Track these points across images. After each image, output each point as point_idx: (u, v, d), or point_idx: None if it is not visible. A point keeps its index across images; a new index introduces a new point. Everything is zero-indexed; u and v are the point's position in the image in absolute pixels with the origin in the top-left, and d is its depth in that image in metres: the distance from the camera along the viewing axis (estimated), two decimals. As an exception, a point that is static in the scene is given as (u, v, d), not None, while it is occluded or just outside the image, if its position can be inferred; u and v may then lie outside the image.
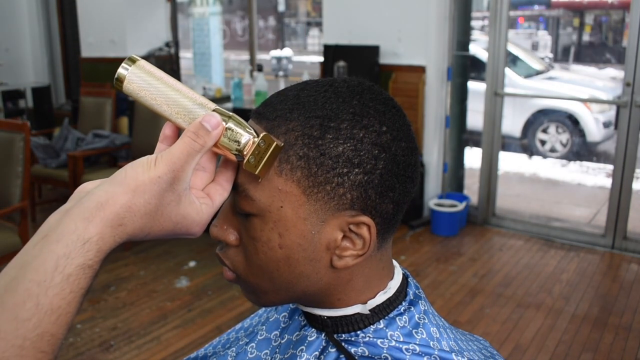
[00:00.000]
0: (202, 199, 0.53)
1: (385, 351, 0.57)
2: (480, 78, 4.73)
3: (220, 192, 0.54)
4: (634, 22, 3.48)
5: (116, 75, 0.52)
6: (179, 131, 0.55)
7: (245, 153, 0.52)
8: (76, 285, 0.44)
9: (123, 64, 0.52)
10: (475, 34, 5.59)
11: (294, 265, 0.56)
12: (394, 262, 0.64)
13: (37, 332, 0.42)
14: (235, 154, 0.52)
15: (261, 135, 0.52)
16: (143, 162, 0.49)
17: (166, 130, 0.55)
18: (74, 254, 0.44)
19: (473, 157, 4.77)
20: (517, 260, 3.58)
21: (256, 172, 0.52)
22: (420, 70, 3.97)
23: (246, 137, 0.52)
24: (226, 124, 0.52)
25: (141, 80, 0.52)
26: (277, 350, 0.64)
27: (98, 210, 0.46)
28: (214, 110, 0.53)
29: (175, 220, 0.51)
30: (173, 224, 0.51)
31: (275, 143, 0.52)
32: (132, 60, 0.53)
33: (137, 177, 0.48)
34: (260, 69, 4.48)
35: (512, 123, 6.29)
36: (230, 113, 0.53)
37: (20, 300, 0.42)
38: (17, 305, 0.42)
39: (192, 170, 0.51)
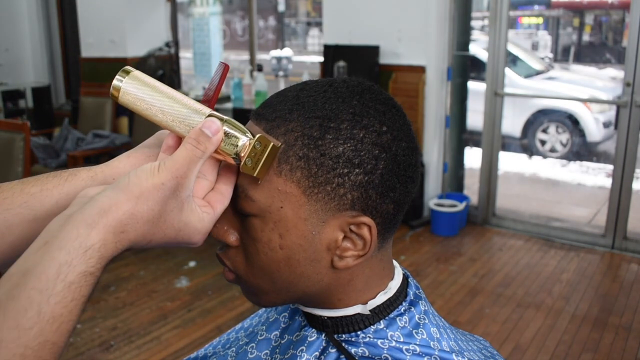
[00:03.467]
0: (204, 207, 0.53)
1: (385, 351, 0.57)
2: (480, 78, 4.73)
3: (221, 200, 0.54)
4: (634, 22, 3.48)
5: (111, 88, 0.53)
6: (180, 141, 0.55)
7: (242, 156, 0.52)
8: (78, 292, 0.44)
9: (117, 76, 0.53)
10: (475, 34, 5.59)
11: (295, 265, 0.56)
12: (394, 263, 0.64)
13: (38, 341, 0.42)
14: (233, 158, 0.52)
15: (257, 136, 0.52)
16: (146, 169, 0.49)
17: (169, 141, 0.55)
18: (75, 262, 0.44)
19: (473, 157, 4.77)
20: (517, 260, 3.58)
21: (255, 174, 0.52)
22: (420, 70, 3.97)
23: (243, 139, 0.52)
24: (224, 126, 0.52)
25: (136, 91, 0.53)
26: (277, 350, 0.64)
27: (101, 217, 0.46)
28: (209, 115, 0.53)
29: (178, 228, 0.51)
30: (175, 232, 0.51)
31: (271, 144, 0.52)
32: (126, 72, 0.53)
33: (141, 183, 0.48)
34: (260, 69, 4.48)
35: (512, 123, 6.29)
36: (225, 117, 0.53)
37: (22, 308, 0.42)
38: (19, 313, 0.42)
39: (195, 177, 0.51)
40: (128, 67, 0.54)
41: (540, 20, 12.15)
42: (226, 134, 0.52)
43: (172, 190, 0.49)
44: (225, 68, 0.56)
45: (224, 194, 0.55)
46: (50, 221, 0.50)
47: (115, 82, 0.53)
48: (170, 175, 0.49)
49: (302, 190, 0.53)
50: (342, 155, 0.52)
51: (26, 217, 0.54)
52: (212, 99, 0.56)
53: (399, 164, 0.55)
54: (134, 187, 0.47)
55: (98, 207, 0.46)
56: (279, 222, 0.54)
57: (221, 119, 0.52)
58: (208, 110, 0.53)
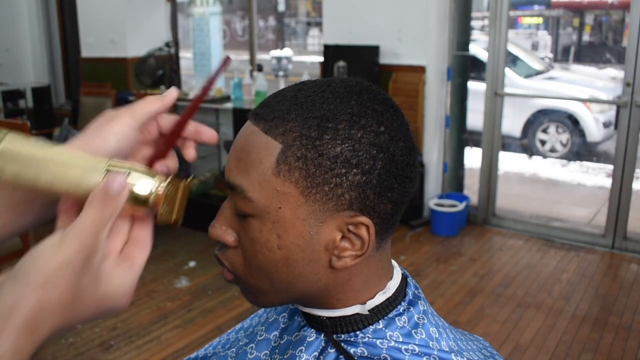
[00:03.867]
0: (122, 263, 0.46)
1: (384, 351, 0.57)
2: (480, 78, 4.73)
3: (141, 248, 0.48)
4: (634, 22, 3.47)
5: None
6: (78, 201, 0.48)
7: (157, 205, 0.47)
8: None
9: None
10: (475, 34, 5.59)
11: (293, 266, 0.56)
12: (393, 262, 0.64)
13: None
14: (146, 210, 0.48)
15: (167, 181, 0.48)
16: (46, 246, 0.42)
17: (61, 207, 0.48)
18: None
19: (473, 157, 4.77)
20: (517, 260, 3.57)
21: (173, 220, 0.49)
22: (420, 70, 3.97)
23: (152, 187, 0.47)
24: (128, 178, 0.46)
25: (15, 163, 0.45)
26: (277, 350, 0.64)
27: (6, 320, 0.39)
28: (109, 167, 0.46)
29: (99, 301, 0.45)
30: (97, 306, 0.45)
31: (182, 183, 0.50)
32: None
33: (43, 267, 0.41)
34: (260, 69, 4.48)
35: (512, 123, 6.29)
36: (127, 164, 0.48)
37: None
38: None
39: (104, 240, 0.44)
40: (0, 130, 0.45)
41: (540, 20, 12.15)
42: (134, 185, 0.46)
43: (81, 265, 0.42)
44: (226, 60, 0.55)
45: (142, 241, 0.48)
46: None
47: None
48: (76, 248, 0.42)
49: (300, 191, 0.53)
50: (339, 156, 0.52)
51: None
52: (205, 88, 0.53)
53: (396, 164, 0.55)
54: (36, 275, 0.41)
55: None
56: (277, 223, 0.54)
57: (124, 169, 0.47)
58: (104, 163, 0.47)
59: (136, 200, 0.47)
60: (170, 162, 0.53)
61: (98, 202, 0.44)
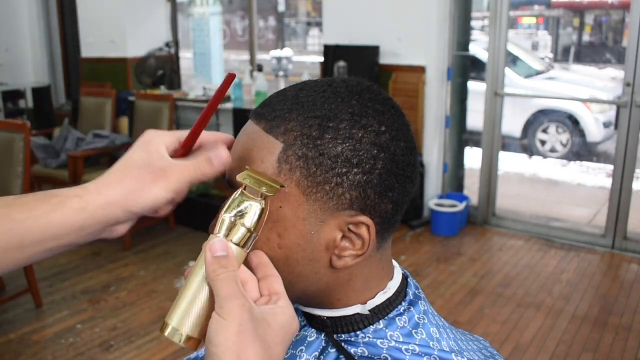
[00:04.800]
0: (273, 300, 0.51)
1: (384, 351, 0.57)
2: (480, 78, 4.73)
3: (275, 279, 0.53)
4: (634, 22, 3.47)
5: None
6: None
7: (258, 228, 0.51)
8: None
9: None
10: (475, 34, 5.59)
11: (293, 265, 0.56)
12: (394, 262, 0.64)
13: None
14: (251, 239, 0.52)
15: (263, 200, 0.51)
16: (212, 331, 0.46)
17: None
18: None
19: (473, 157, 4.77)
20: (517, 260, 3.58)
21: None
22: (420, 70, 3.97)
23: (250, 221, 0.51)
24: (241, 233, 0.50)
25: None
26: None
27: None
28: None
29: (281, 337, 0.49)
30: (281, 342, 0.49)
31: (267, 196, 0.51)
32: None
33: (228, 347, 0.46)
34: (260, 69, 4.48)
35: (512, 123, 6.29)
36: (224, 211, 0.51)
37: None
38: None
39: (242, 290, 0.49)
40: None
41: (532, 20, 12.16)
42: (238, 238, 0.50)
43: (250, 322, 0.47)
44: (229, 77, 0.54)
45: (271, 273, 0.53)
46: (35, 249, 0.50)
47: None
48: (236, 313, 0.46)
49: (301, 190, 0.53)
50: (340, 155, 0.52)
51: (10, 245, 0.51)
52: (210, 107, 0.55)
53: (397, 163, 0.55)
54: (227, 357, 0.45)
55: None
56: (278, 222, 0.54)
57: (224, 230, 0.50)
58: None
59: (243, 240, 0.51)
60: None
61: (218, 268, 0.48)
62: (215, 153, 0.54)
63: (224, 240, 0.49)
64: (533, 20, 12.04)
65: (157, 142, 0.56)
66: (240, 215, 0.50)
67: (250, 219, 0.50)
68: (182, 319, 0.49)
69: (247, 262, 0.53)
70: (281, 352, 0.49)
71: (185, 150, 0.57)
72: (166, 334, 0.49)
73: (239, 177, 0.52)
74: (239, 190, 0.52)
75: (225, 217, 0.51)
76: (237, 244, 0.50)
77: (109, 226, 0.54)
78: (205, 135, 0.59)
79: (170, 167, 0.54)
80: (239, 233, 0.50)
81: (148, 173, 0.54)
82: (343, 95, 0.55)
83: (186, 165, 0.54)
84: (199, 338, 0.50)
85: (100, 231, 0.54)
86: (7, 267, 0.52)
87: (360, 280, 0.59)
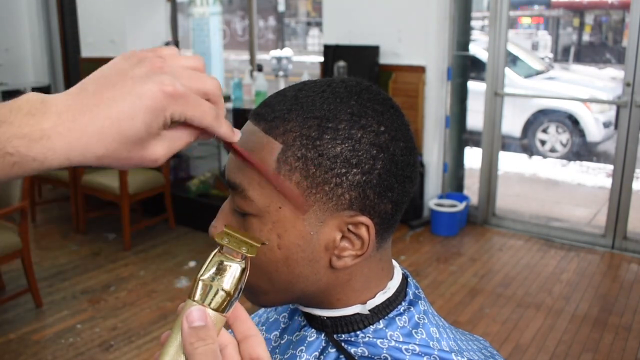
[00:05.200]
0: None
1: (385, 351, 0.57)
2: (480, 78, 4.73)
3: (255, 342, 0.47)
4: (634, 22, 3.48)
5: None
6: None
7: (237, 290, 0.47)
8: None
9: None
10: (475, 34, 5.59)
11: (293, 265, 0.56)
12: (394, 262, 0.64)
13: None
14: (233, 298, 0.47)
15: (243, 263, 0.47)
16: None
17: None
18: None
19: (473, 157, 4.77)
20: (517, 260, 3.58)
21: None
22: (420, 70, 3.97)
23: (227, 284, 0.46)
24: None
25: None
26: (277, 350, 0.64)
27: None
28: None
29: None
30: None
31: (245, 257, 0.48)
32: None
33: None
34: (260, 69, 4.48)
35: (512, 123, 6.29)
36: (199, 276, 0.47)
37: None
38: None
39: None
40: None
41: (529, 20, 12.17)
42: (216, 303, 0.46)
43: None
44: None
45: (251, 333, 0.48)
46: None
47: None
48: None
49: (300, 191, 0.53)
50: (339, 155, 0.52)
51: None
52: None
53: (396, 163, 0.55)
54: None
55: None
56: (278, 223, 0.54)
57: (197, 294, 0.47)
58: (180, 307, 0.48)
59: (221, 304, 0.46)
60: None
61: (196, 341, 0.44)
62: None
63: (201, 309, 0.45)
64: (529, 20, 12.05)
65: None
66: (219, 277, 0.47)
67: (229, 282, 0.46)
68: None
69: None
70: None
71: None
72: None
73: (217, 238, 0.49)
74: (216, 251, 0.48)
75: (203, 280, 0.47)
76: (216, 309, 0.46)
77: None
78: None
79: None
80: (218, 298, 0.46)
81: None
82: (342, 95, 0.55)
83: (206, 104, 0.45)
84: None
85: None
86: None
87: (360, 280, 0.59)
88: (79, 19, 5.59)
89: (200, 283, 0.47)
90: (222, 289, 0.46)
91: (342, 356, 0.59)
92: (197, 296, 0.46)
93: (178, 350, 0.46)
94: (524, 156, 6.47)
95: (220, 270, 0.47)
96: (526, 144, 6.50)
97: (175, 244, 3.85)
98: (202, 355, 0.43)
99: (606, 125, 6.20)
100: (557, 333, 2.74)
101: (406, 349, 0.57)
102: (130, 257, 3.66)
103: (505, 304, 3.02)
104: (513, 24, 11.17)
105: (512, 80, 6.00)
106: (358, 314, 0.59)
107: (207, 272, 0.47)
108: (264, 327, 0.68)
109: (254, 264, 0.57)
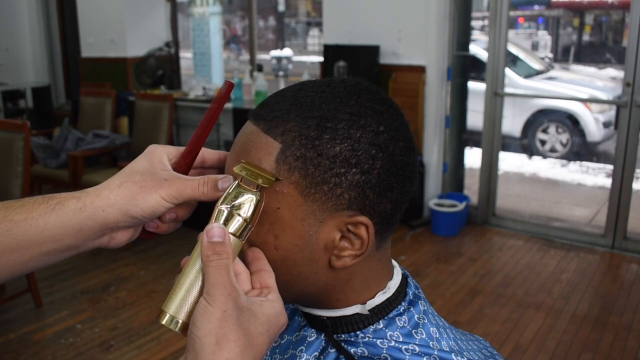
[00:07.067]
0: (263, 293, 0.51)
1: (384, 351, 0.57)
2: (480, 78, 4.73)
3: (267, 274, 0.53)
4: (634, 22, 3.48)
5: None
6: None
7: (254, 218, 0.52)
8: None
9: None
10: (475, 34, 5.59)
11: (292, 266, 0.56)
12: (394, 262, 0.64)
13: None
14: (248, 228, 0.52)
15: (258, 192, 0.52)
16: (197, 315, 0.47)
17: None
18: None
19: (473, 157, 4.77)
20: (517, 260, 3.58)
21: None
22: (420, 70, 3.97)
23: (245, 210, 0.51)
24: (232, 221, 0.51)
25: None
26: (277, 350, 0.64)
27: None
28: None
29: (266, 329, 0.49)
30: (266, 333, 0.49)
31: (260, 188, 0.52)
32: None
33: (210, 330, 0.46)
34: (260, 69, 4.48)
35: (512, 123, 6.29)
36: (220, 204, 0.52)
37: None
38: None
39: (235, 280, 0.49)
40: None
41: (522, 20, 12.17)
42: (234, 228, 0.51)
43: (235, 310, 0.47)
44: (228, 86, 0.55)
45: (265, 268, 0.53)
46: (33, 251, 0.50)
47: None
48: (222, 300, 0.47)
49: (299, 191, 0.53)
50: (339, 155, 0.52)
51: (8, 246, 0.51)
52: (210, 120, 0.56)
53: (396, 163, 0.55)
54: (208, 341, 0.45)
55: None
56: (275, 224, 0.54)
57: (222, 219, 0.51)
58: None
59: (240, 231, 0.51)
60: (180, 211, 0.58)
61: (212, 255, 0.48)
62: (223, 179, 0.54)
63: (222, 227, 0.50)
64: (522, 20, 12.07)
65: (160, 154, 0.57)
66: (237, 206, 0.51)
67: (246, 210, 0.51)
68: (179, 307, 0.50)
69: (243, 257, 0.54)
70: (264, 343, 0.49)
71: (186, 163, 0.58)
72: (163, 321, 0.50)
73: (236, 169, 0.53)
74: (235, 182, 0.52)
75: (222, 208, 0.51)
76: (234, 234, 0.51)
77: (108, 230, 0.54)
78: (207, 152, 0.60)
79: (172, 178, 0.54)
80: (236, 223, 0.51)
81: (149, 180, 0.54)
82: (342, 95, 0.55)
83: (189, 181, 0.54)
84: None
85: (99, 234, 0.54)
86: (5, 272, 0.52)
87: (360, 280, 0.59)
88: (79, 19, 5.59)
89: (220, 210, 0.51)
90: (240, 216, 0.51)
91: (342, 356, 0.59)
92: (218, 221, 0.51)
93: (198, 270, 0.50)
94: (524, 156, 6.47)
95: (238, 199, 0.51)
96: (526, 144, 6.50)
97: (175, 244, 3.85)
98: (215, 269, 0.48)
99: (606, 125, 6.20)
100: (557, 333, 2.74)
101: (406, 349, 0.57)
102: (130, 257, 3.66)
103: (505, 304, 3.02)
104: (513, 24, 11.17)
105: (512, 80, 6.00)
106: (358, 314, 0.59)
107: (227, 202, 0.51)
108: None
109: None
